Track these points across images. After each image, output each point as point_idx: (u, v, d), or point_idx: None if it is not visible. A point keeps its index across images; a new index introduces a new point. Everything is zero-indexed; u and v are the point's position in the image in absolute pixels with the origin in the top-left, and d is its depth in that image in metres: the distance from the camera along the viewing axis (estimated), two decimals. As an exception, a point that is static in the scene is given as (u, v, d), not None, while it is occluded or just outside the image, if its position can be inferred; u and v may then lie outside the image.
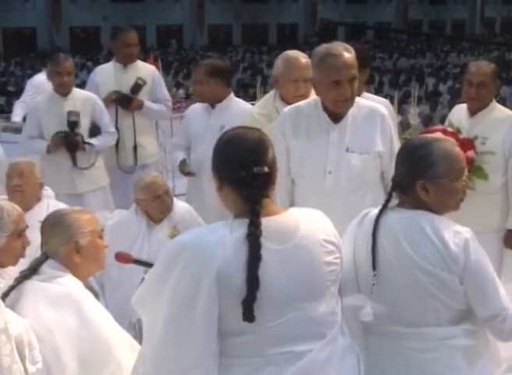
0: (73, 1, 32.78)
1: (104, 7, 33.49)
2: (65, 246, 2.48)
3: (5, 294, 2.39)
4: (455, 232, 2.20)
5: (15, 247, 2.75)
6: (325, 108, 3.25)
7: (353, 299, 2.22)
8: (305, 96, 3.66)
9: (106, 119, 5.09)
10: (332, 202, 3.10)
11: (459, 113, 4.24)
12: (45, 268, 2.46)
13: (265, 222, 1.94)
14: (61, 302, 2.35)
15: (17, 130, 6.40)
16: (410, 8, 42.43)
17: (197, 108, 4.76)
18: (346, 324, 2.14)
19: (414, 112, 6.35)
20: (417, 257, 2.18)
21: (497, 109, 4.13)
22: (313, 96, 3.42)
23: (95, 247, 2.55)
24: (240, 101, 4.82)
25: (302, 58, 3.82)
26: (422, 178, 2.24)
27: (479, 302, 2.22)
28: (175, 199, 4.04)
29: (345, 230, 2.36)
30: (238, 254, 1.91)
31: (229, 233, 1.93)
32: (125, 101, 5.27)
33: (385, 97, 5.02)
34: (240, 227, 1.94)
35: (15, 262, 2.77)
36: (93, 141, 4.98)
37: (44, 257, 2.49)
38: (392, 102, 4.81)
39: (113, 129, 5.13)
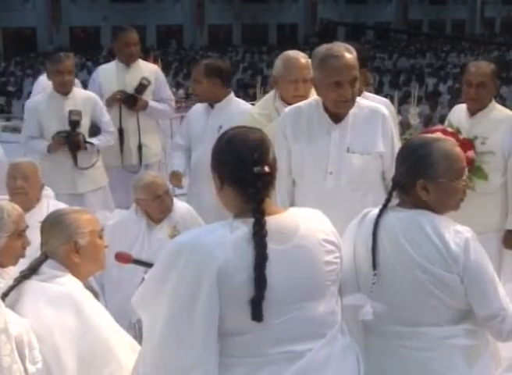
0: (73, 1, 32.80)
1: (104, 7, 33.51)
2: (64, 246, 2.48)
3: (5, 294, 2.39)
4: (455, 232, 2.20)
5: (15, 247, 2.75)
6: (326, 109, 3.25)
7: (353, 298, 2.22)
8: (305, 96, 3.66)
9: (106, 118, 5.09)
10: (333, 203, 3.10)
11: (458, 113, 4.24)
12: (45, 268, 2.46)
13: (266, 221, 1.94)
14: (61, 302, 2.35)
15: (17, 129, 6.41)
16: (410, 8, 42.46)
17: (197, 108, 4.77)
18: (346, 324, 2.14)
19: (414, 112, 6.35)
20: (417, 256, 2.18)
21: (497, 109, 4.13)
22: (314, 96, 3.41)
23: (95, 247, 2.54)
24: (240, 101, 4.82)
25: (302, 58, 3.82)
26: (422, 178, 2.24)
27: (479, 302, 2.22)
28: (175, 199, 4.04)
29: (345, 230, 2.36)
30: (239, 254, 1.91)
31: (229, 233, 1.93)
32: (130, 102, 5.27)
33: (385, 97, 5.02)
34: (241, 227, 1.94)
35: (15, 262, 2.77)
36: (94, 140, 4.98)
37: (44, 257, 2.49)
38: (392, 102, 4.81)
39: (113, 128, 5.13)
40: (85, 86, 6.05)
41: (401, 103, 8.41)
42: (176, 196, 4.80)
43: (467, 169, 2.34)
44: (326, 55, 3.12)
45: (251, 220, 1.94)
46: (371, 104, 3.38)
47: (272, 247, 1.93)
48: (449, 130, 4.12)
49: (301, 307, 1.98)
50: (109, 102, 5.26)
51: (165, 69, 12.11)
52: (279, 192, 3.08)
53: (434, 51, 29.76)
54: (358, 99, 3.27)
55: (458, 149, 2.31)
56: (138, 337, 2.56)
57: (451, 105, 5.76)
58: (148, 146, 5.40)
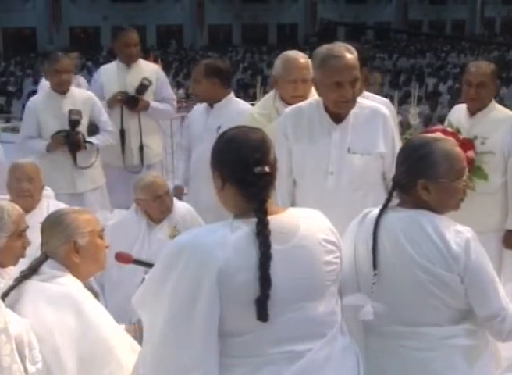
0: (73, 1, 32.79)
1: (104, 7, 33.50)
2: (64, 246, 2.47)
3: (5, 294, 2.39)
4: (456, 231, 2.20)
5: (15, 247, 2.75)
6: (327, 109, 3.24)
7: (353, 298, 2.22)
8: (304, 96, 3.66)
9: (104, 117, 5.08)
10: (334, 203, 3.10)
11: (458, 113, 4.25)
12: (45, 268, 2.46)
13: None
14: (61, 302, 2.35)
15: (16, 129, 6.41)
16: (410, 8, 42.46)
17: (198, 108, 4.78)
18: (346, 324, 2.14)
19: (414, 112, 6.35)
20: (417, 256, 2.18)
21: (497, 109, 4.14)
22: (314, 96, 3.41)
23: (95, 247, 2.54)
24: (240, 101, 4.81)
25: (301, 58, 3.82)
26: (423, 178, 2.24)
27: (479, 302, 2.22)
28: (175, 199, 4.04)
29: (346, 230, 2.36)
30: (240, 254, 1.91)
31: (229, 234, 1.93)
32: (131, 102, 5.26)
33: (385, 97, 5.01)
34: (241, 227, 1.94)
35: (15, 262, 2.77)
36: (93, 139, 4.97)
37: (44, 257, 2.49)
38: (392, 102, 4.81)
39: (111, 127, 5.12)
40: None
41: (401, 103, 8.40)
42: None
43: (467, 169, 2.34)
44: (327, 56, 3.12)
45: (252, 220, 1.94)
46: (373, 104, 3.38)
47: (273, 247, 1.92)
48: (449, 130, 4.12)
49: (301, 307, 1.98)
50: (110, 103, 5.25)
51: (165, 69, 12.10)
52: (279, 192, 3.09)
53: (434, 51, 29.74)
54: (359, 99, 3.27)
55: (458, 149, 2.32)
56: (138, 337, 2.56)
57: (451, 105, 5.76)
58: (150, 146, 5.40)
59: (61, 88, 4.93)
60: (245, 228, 1.94)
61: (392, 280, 2.24)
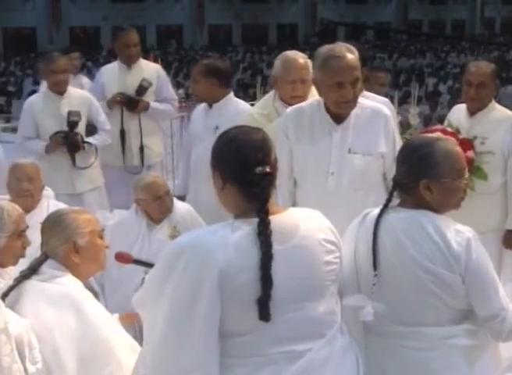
0: (73, 1, 32.79)
1: (104, 7, 33.51)
2: (63, 246, 2.47)
3: (5, 294, 2.39)
4: (457, 231, 2.20)
5: (15, 247, 2.75)
6: (328, 109, 3.24)
7: (353, 299, 2.22)
8: (303, 97, 3.66)
9: (102, 117, 5.07)
10: (335, 203, 3.10)
11: (458, 113, 4.25)
12: (45, 268, 2.46)
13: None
14: (61, 302, 2.35)
15: (16, 129, 6.40)
16: (410, 8, 42.46)
17: (199, 108, 4.78)
18: (346, 324, 2.14)
19: (414, 112, 6.34)
20: (418, 256, 2.18)
21: (496, 109, 4.14)
22: (315, 97, 3.41)
23: (94, 247, 2.54)
24: (239, 101, 4.80)
25: (300, 58, 3.82)
26: (425, 178, 2.24)
27: (480, 302, 2.22)
28: (175, 199, 4.03)
29: (346, 230, 2.36)
30: (241, 254, 1.91)
31: (230, 234, 1.93)
32: (131, 104, 5.26)
33: (385, 97, 5.01)
34: (242, 227, 1.94)
35: (15, 262, 2.77)
36: (91, 139, 4.97)
37: (44, 257, 2.49)
38: (392, 102, 4.81)
39: (109, 127, 5.11)
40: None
41: (401, 103, 8.39)
42: (176, 196, 4.80)
43: (467, 169, 2.34)
44: (328, 56, 3.12)
45: (253, 220, 1.93)
46: (374, 104, 3.38)
47: (273, 247, 1.92)
48: (449, 129, 4.12)
49: (301, 307, 1.97)
50: (110, 104, 5.25)
51: (165, 69, 12.09)
52: (280, 193, 3.09)
53: (434, 51, 29.75)
54: (360, 99, 3.27)
55: (459, 148, 2.32)
56: (138, 337, 2.56)
57: (451, 105, 5.75)
58: (150, 147, 5.39)
59: (58, 88, 4.92)
60: (246, 228, 1.93)
61: (393, 280, 2.24)
